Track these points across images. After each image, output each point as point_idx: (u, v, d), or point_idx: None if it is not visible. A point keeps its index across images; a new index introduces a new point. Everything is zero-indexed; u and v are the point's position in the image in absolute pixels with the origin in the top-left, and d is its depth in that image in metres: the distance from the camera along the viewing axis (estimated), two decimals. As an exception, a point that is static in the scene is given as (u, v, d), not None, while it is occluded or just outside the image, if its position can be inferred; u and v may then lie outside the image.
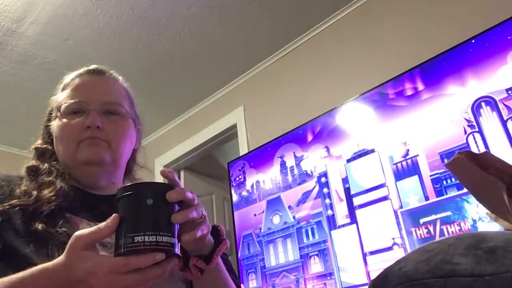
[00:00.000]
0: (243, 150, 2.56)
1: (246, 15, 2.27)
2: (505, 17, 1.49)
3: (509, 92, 1.44)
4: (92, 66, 0.92)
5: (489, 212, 0.57)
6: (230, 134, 2.80)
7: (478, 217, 1.44)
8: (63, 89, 0.91)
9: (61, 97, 0.89)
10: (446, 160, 1.52)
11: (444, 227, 1.50)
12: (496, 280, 0.35)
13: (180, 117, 3.12)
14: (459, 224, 1.48)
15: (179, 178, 3.18)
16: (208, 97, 2.92)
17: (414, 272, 0.40)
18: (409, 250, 1.58)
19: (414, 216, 1.59)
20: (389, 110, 1.76)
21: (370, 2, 2.18)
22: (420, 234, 1.55)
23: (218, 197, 3.36)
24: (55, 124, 0.87)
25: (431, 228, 1.53)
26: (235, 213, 2.29)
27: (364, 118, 1.85)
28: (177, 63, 2.58)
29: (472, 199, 1.46)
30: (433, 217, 1.54)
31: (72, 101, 0.85)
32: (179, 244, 0.59)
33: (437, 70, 1.64)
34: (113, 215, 0.58)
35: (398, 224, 1.62)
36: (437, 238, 1.47)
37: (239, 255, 2.17)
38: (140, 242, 0.54)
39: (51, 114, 0.90)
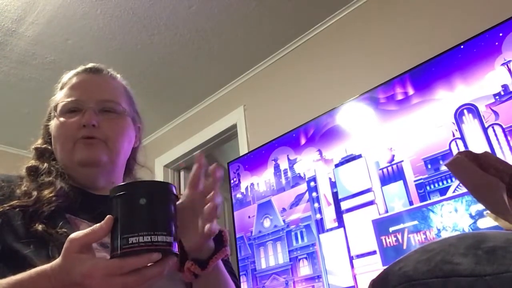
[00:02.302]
0: (243, 150, 2.56)
1: (246, 15, 2.27)
2: (492, 24, 1.51)
3: (496, 97, 1.46)
4: (90, 65, 0.92)
5: (489, 212, 0.57)
6: (230, 134, 2.80)
7: (442, 226, 1.50)
8: (61, 88, 0.90)
9: (59, 96, 0.88)
10: (429, 166, 1.56)
11: (411, 236, 1.56)
12: (496, 280, 0.35)
13: (180, 117, 3.12)
14: (424, 233, 1.53)
15: (179, 178, 3.19)
16: (208, 97, 2.92)
17: (414, 272, 0.40)
18: (381, 257, 1.63)
19: (384, 224, 1.65)
20: (379, 115, 1.78)
21: (368, 4, 2.18)
22: (390, 242, 1.61)
23: (218, 197, 3.35)
24: (53, 124, 0.87)
25: (399, 237, 1.59)
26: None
27: (355, 122, 1.87)
28: (177, 63, 2.58)
29: (437, 209, 1.52)
30: (401, 226, 1.59)
31: (69, 99, 0.85)
32: (176, 242, 0.58)
33: (426, 75, 1.66)
34: (107, 216, 0.57)
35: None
36: (405, 247, 1.55)
37: (238, 255, 2.17)
38: (135, 243, 0.54)
39: (51, 113, 0.90)
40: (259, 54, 2.56)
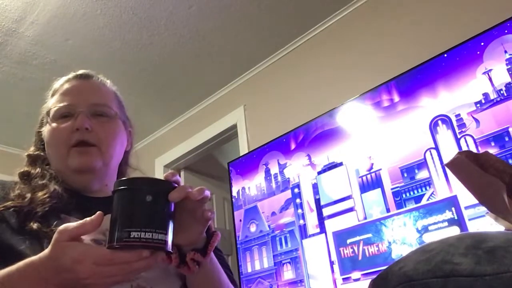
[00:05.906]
0: (243, 150, 2.56)
1: (246, 15, 2.27)
2: (474, 33, 1.54)
3: (478, 105, 1.50)
4: (80, 71, 0.94)
5: (489, 212, 0.57)
6: (230, 134, 2.80)
7: (392, 239, 1.59)
8: (53, 94, 0.92)
9: (51, 103, 0.90)
10: (405, 175, 1.62)
11: (366, 248, 1.64)
12: (496, 280, 0.35)
13: (180, 117, 3.12)
14: (377, 245, 1.62)
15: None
16: (208, 97, 2.92)
17: (414, 272, 0.40)
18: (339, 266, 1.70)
19: (342, 236, 1.74)
20: (364, 121, 1.81)
21: (368, 4, 2.19)
22: (347, 253, 1.70)
23: (218, 197, 3.36)
24: (45, 130, 0.88)
25: (355, 248, 1.67)
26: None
27: (341, 128, 1.90)
28: (177, 63, 2.58)
29: (389, 223, 1.60)
30: (357, 238, 1.67)
31: (61, 105, 0.86)
32: (172, 241, 0.60)
33: (411, 82, 1.69)
34: (98, 212, 0.59)
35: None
36: (360, 258, 1.63)
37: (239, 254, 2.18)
38: (136, 238, 0.55)
39: (43, 120, 0.91)
40: (259, 54, 2.56)
